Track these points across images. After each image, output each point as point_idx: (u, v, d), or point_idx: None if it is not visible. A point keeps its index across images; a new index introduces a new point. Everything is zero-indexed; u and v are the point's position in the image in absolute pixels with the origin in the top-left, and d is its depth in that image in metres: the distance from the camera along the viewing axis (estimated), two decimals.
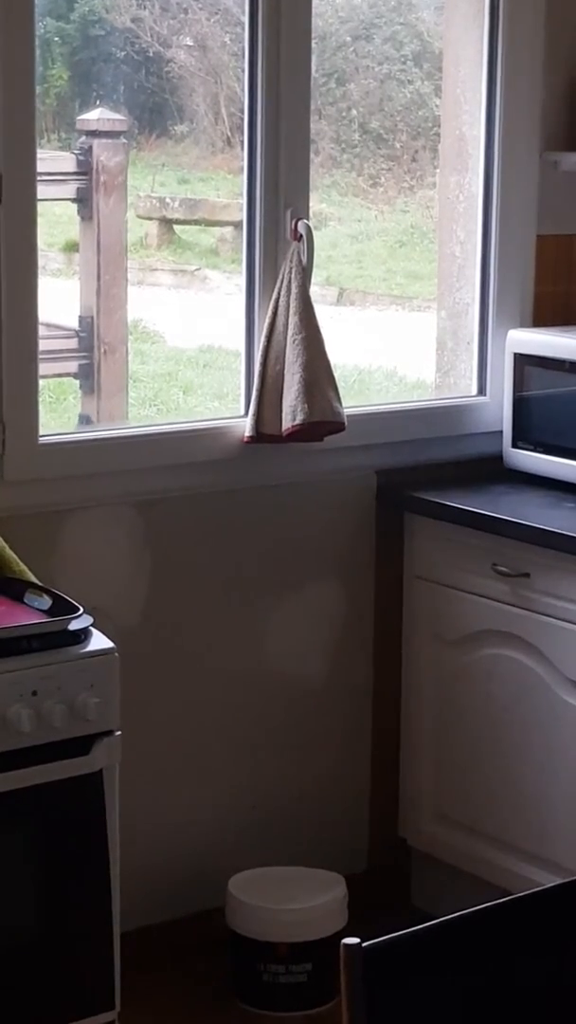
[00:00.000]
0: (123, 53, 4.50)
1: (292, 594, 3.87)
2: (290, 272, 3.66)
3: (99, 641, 3.06)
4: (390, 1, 4.83)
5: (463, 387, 4.17)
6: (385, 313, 5.64)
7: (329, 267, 5.39)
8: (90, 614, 3.09)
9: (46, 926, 3.05)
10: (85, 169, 4.58)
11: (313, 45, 3.77)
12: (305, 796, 3.94)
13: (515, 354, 3.95)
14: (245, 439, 3.68)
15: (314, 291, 3.76)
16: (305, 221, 3.71)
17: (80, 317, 4.68)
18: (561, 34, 4.06)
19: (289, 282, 3.65)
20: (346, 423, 3.70)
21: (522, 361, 3.94)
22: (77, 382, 4.75)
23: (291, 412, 3.61)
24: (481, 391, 4.13)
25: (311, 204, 3.80)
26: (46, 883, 3.06)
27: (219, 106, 4.66)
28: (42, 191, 3.49)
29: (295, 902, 3.63)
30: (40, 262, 3.48)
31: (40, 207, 3.45)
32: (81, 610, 3.07)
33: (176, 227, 5.44)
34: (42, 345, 3.51)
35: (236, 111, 3.84)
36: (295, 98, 3.70)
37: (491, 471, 3.99)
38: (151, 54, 4.54)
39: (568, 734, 3.56)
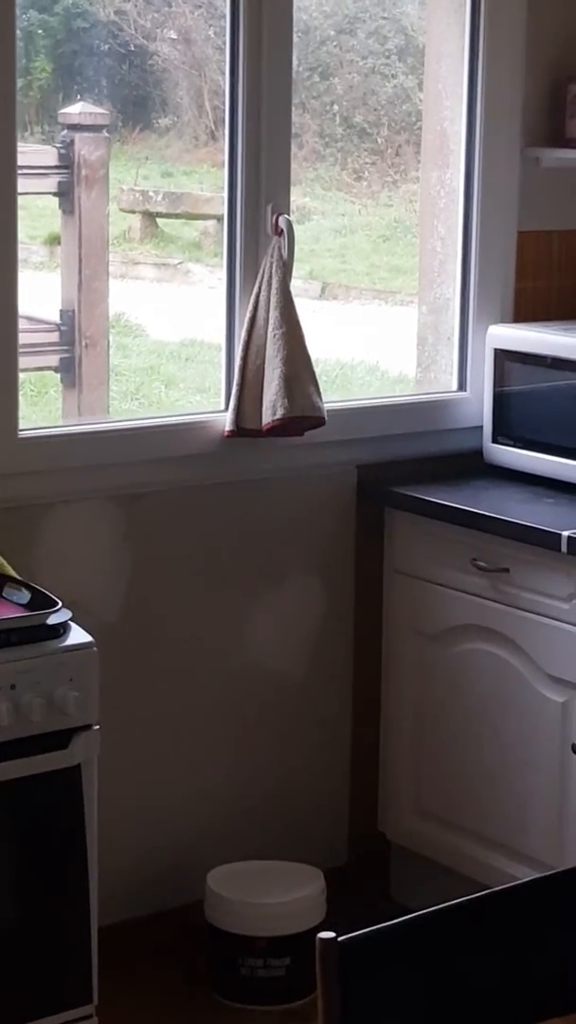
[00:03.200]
0: (106, 46, 4.50)
1: (272, 588, 3.87)
2: (271, 267, 3.66)
3: (78, 635, 3.07)
4: None
5: (444, 382, 4.17)
6: (368, 307, 5.65)
7: (312, 261, 5.40)
8: (69, 608, 3.09)
9: (24, 920, 3.05)
10: (67, 163, 4.59)
11: (297, 39, 3.77)
12: (284, 790, 3.95)
13: (495, 349, 3.95)
14: (225, 433, 3.68)
15: (297, 285, 3.76)
16: (286, 216, 3.70)
17: (61, 311, 4.69)
18: (542, 30, 4.06)
19: (270, 277, 3.65)
20: (326, 418, 3.69)
21: (502, 357, 3.94)
22: (58, 376, 4.75)
23: (271, 407, 3.61)
24: (461, 386, 4.14)
25: (294, 198, 3.79)
26: (24, 877, 3.06)
27: (203, 99, 4.66)
28: (23, 184, 3.49)
29: (274, 896, 3.63)
30: (21, 255, 3.48)
31: (21, 200, 3.45)
32: (60, 604, 3.07)
33: (159, 220, 5.45)
34: (23, 338, 3.50)
35: (220, 104, 3.83)
36: (276, 93, 3.69)
37: (471, 466, 3.99)
38: (134, 47, 4.53)
39: (546, 728, 3.57)
